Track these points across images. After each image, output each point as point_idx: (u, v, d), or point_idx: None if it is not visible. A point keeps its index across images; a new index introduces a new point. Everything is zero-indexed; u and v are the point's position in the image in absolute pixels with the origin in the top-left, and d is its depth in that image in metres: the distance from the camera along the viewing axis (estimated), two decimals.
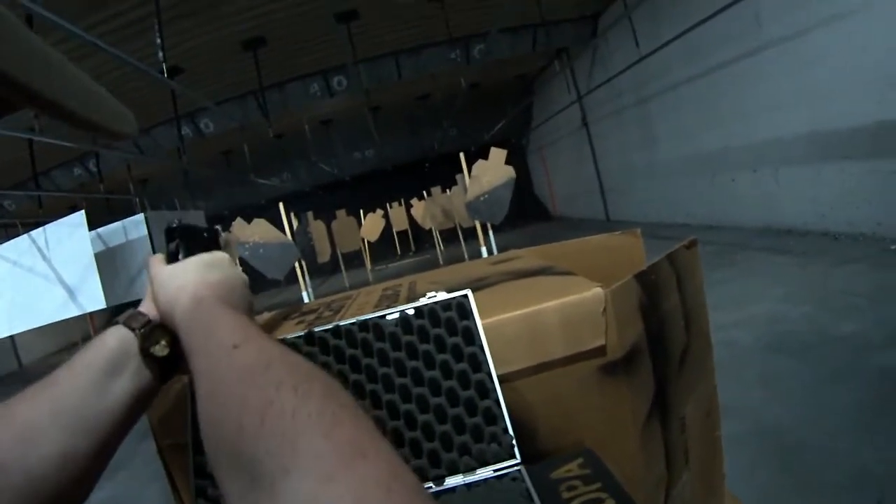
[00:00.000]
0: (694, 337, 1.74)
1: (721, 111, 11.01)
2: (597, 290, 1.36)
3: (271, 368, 0.59)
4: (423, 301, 1.33)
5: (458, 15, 12.12)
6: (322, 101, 14.89)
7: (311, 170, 22.90)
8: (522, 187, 13.85)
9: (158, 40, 8.10)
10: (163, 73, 8.33)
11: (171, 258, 0.92)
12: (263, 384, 0.56)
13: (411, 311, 1.32)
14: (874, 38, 7.12)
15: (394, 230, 19.86)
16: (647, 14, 12.40)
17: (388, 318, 1.32)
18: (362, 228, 17.32)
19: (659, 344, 1.54)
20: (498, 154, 9.29)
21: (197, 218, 15.72)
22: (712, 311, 1.83)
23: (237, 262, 13.65)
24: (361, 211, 18.34)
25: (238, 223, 10.47)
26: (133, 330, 0.82)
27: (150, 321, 0.84)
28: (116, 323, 0.85)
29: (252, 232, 10.36)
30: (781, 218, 9.88)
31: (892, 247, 7.07)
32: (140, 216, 10.42)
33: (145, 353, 0.81)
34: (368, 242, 17.70)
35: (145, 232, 10.42)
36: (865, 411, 3.67)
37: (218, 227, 1.06)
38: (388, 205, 19.39)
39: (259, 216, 10.59)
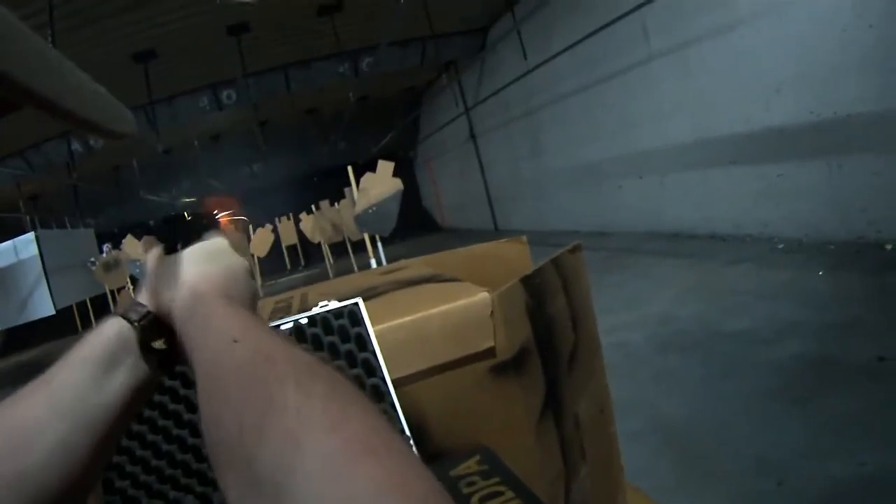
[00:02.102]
0: (582, 337, 1.80)
1: (608, 121, 11.25)
2: (483, 295, 1.41)
3: (273, 363, 0.55)
4: (315, 310, 1.34)
5: (348, 29, 12.10)
6: (211, 116, 14.64)
7: (201, 186, 22.44)
8: (410, 199, 13.87)
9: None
10: None
11: (170, 249, 0.87)
12: (265, 379, 0.53)
13: (304, 321, 1.33)
14: (759, 48, 7.42)
15: (283, 245, 19.58)
16: (535, 27, 12.60)
17: (282, 328, 1.33)
18: (251, 244, 17.00)
19: (548, 344, 1.59)
20: (385, 166, 9.24)
21: (87, 237, 15.26)
22: (604, 314, 1.89)
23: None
24: (251, 226, 18.04)
25: (129, 240, 10.16)
26: (132, 322, 0.77)
27: (149, 313, 0.79)
28: (114, 314, 0.79)
29: (143, 249, 10.06)
30: (669, 223, 10.13)
31: (780, 246, 7.36)
32: (30, 235, 10.09)
33: (144, 346, 0.77)
34: (258, 258, 17.41)
35: (36, 252, 10.09)
36: (758, 402, 3.81)
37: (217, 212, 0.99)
38: (276, 219, 19.11)
39: (150, 233, 10.32)
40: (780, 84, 7.21)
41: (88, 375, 0.73)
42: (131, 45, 10.49)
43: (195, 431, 1.36)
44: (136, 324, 0.77)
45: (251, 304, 0.81)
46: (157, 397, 1.40)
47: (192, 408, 1.37)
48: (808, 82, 6.82)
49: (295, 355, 0.56)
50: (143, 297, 0.82)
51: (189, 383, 1.39)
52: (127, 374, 0.75)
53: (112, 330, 0.77)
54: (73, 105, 0.51)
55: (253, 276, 0.86)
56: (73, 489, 0.67)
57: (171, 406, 1.39)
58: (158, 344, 0.78)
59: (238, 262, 0.84)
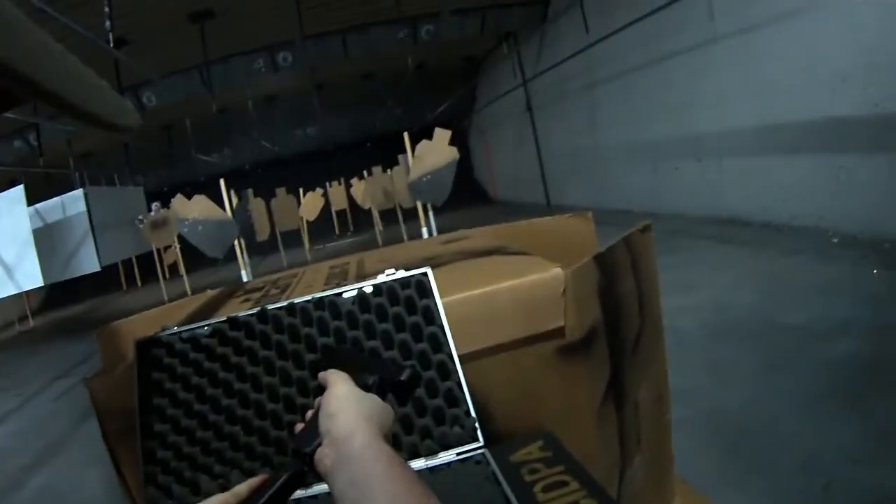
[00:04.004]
0: (647, 321, 1.74)
1: (668, 100, 11.03)
2: (557, 271, 1.34)
3: None
4: (380, 278, 1.29)
5: None
6: (267, 77, 14.68)
7: (253, 147, 22.58)
8: (463, 170, 13.80)
9: (107, 9, 7.88)
10: (109, 42, 8.12)
11: (364, 387, 0.88)
12: None
13: (369, 289, 1.28)
14: (825, 35, 7.18)
15: (333, 210, 19.61)
16: (598, 1, 12.41)
17: (345, 295, 1.28)
18: (301, 207, 17.11)
19: (615, 326, 1.53)
20: (442, 135, 9.23)
21: (136, 195, 15.44)
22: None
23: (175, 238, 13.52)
24: (301, 189, 18.10)
25: (178, 199, 10.25)
26: None
27: None
28: None
29: (192, 208, 10.16)
30: (724, 208, 9.93)
31: (835, 240, 7.19)
32: (79, 192, 10.25)
33: None
34: (307, 221, 17.52)
35: (84, 208, 10.27)
36: (810, 400, 3.72)
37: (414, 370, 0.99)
38: (327, 184, 19.15)
39: (199, 193, 10.41)
40: (846, 74, 6.99)
41: None
42: (188, 5, 10.53)
43: (245, 402, 1.32)
44: None
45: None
46: (206, 364, 1.36)
47: (243, 377, 1.33)
48: (875, 74, 6.61)
49: None
50: None
51: (241, 351, 1.35)
52: None
53: None
54: (76, 99, 0.50)
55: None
56: None
57: (222, 374, 1.35)
58: None
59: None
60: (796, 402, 3.74)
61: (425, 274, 1.28)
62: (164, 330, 1.42)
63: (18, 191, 8.92)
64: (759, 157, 8.84)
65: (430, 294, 1.25)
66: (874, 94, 6.59)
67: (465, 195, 20.33)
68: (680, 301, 5.88)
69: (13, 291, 9.17)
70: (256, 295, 1.71)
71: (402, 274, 1.29)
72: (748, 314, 5.42)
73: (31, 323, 17.36)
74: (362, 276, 1.45)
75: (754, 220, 9.04)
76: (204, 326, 1.39)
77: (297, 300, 1.28)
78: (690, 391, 4.03)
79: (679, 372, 4.21)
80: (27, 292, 10.19)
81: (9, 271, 9.09)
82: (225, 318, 1.37)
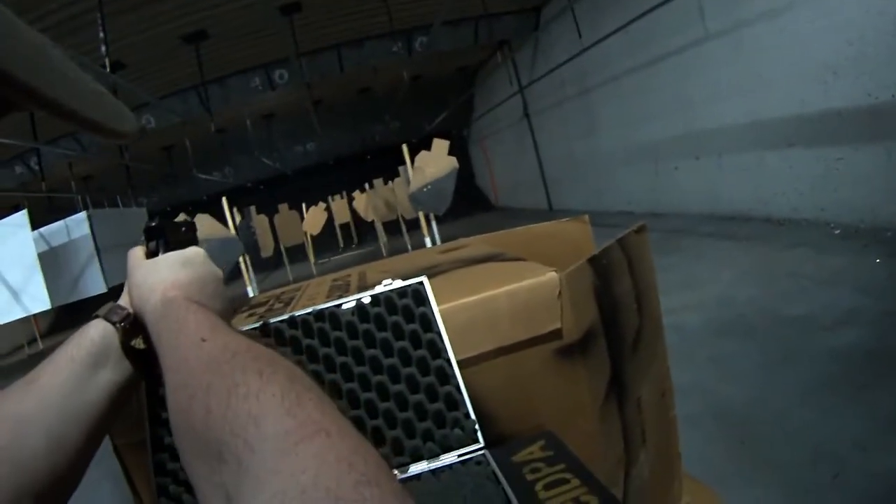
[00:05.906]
0: (646, 319, 1.76)
1: (663, 101, 11.08)
2: (551, 275, 1.36)
3: (237, 357, 0.60)
4: (378, 289, 1.31)
5: (401, 7, 12.07)
6: (264, 95, 14.75)
7: (254, 164, 22.62)
8: (464, 178, 13.75)
9: (102, 34, 7.93)
10: (105, 67, 8.17)
11: (151, 254, 0.92)
12: (229, 370, 0.57)
13: (367, 300, 1.30)
14: (814, 29, 7.23)
15: (336, 223, 19.63)
16: (589, 5, 12.43)
17: (344, 306, 1.30)
18: (304, 222, 17.11)
19: (613, 326, 1.55)
20: (441, 145, 9.22)
21: (139, 216, 15.50)
22: (661, 296, 1.85)
23: None
24: (304, 204, 18.12)
25: (182, 218, 10.28)
26: (114, 324, 0.83)
27: (129, 315, 0.84)
28: (97, 316, 0.85)
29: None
30: (725, 205, 9.97)
31: (836, 231, 7.20)
32: (83, 214, 10.27)
33: (125, 346, 0.83)
34: (311, 236, 17.53)
35: (88, 231, 10.29)
36: (816, 391, 3.74)
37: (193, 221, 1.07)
38: (329, 198, 19.16)
39: (202, 212, 10.42)
40: (838, 66, 7.04)
41: (74, 375, 0.78)
42: (181, 27, 10.58)
43: None
44: (117, 325, 0.83)
45: (221, 309, 0.87)
46: None
47: None
48: (866, 64, 6.66)
49: (258, 350, 0.62)
50: (124, 299, 0.89)
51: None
52: (111, 373, 0.81)
53: (96, 331, 0.82)
54: (74, 105, 0.52)
55: (225, 284, 0.95)
56: (59, 483, 0.72)
57: None
58: (138, 343, 0.84)
59: (210, 270, 0.92)
60: (802, 393, 3.76)
61: (421, 283, 1.30)
62: None
63: (22, 215, 8.96)
64: (757, 152, 8.85)
65: (426, 302, 1.28)
66: (866, 85, 6.61)
67: (467, 203, 20.37)
68: (684, 298, 5.90)
69: (21, 315, 9.22)
70: (261, 310, 1.73)
71: (398, 284, 1.31)
72: (752, 308, 5.44)
73: (41, 345, 17.46)
74: (363, 288, 1.47)
75: (755, 215, 9.05)
76: None
77: (297, 313, 1.30)
78: (698, 386, 4.05)
79: (686, 368, 4.25)
80: (35, 315, 10.22)
81: (16, 295, 9.12)
82: None
